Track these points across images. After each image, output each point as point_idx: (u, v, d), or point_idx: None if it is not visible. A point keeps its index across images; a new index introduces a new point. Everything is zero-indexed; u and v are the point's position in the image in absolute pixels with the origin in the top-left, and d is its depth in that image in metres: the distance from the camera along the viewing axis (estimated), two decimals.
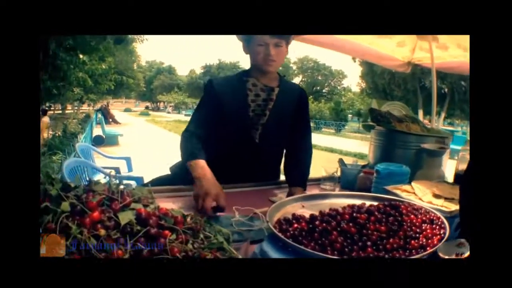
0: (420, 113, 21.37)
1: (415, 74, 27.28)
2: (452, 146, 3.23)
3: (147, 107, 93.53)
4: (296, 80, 76.57)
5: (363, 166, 3.12)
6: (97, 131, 20.95)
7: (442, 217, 1.60)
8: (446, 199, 1.97)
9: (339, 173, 3.00)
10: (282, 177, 2.94)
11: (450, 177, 2.66)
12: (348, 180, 2.93)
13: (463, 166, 2.47)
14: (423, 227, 1.54)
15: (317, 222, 1.53)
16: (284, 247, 1.40)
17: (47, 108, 23.71)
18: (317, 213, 1.63)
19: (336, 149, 21.58)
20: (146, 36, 20.44)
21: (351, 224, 1.51)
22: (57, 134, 15.55)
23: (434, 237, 1.46)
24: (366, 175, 2.69)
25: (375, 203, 1.75)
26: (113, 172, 6.91)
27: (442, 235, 1.46)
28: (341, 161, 3.17)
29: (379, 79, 32.74)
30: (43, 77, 12.40)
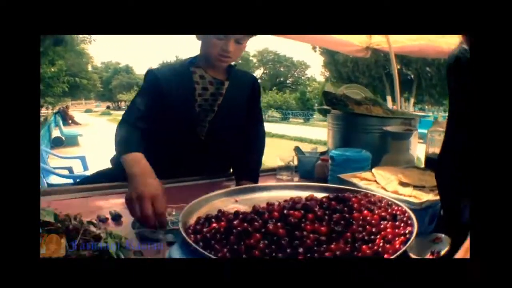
0: (389, 99, 21.73)
1: (378, 61, 28.02)
2: (422, 130, 2.92)
3: (108, 107, 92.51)
4: (258, 72, 77.13)
5: (322, 153, 2.81)
6: (57, 133, 20.52)
7: (409, 211, 1.25)
8: (415, 187, 1.66)
9: (296, 162, 2.73)
10: None
11: (421, 162, 2.39)
12: (306, 169, 2.68)
13: (433, 149, 2.24)
14: (382, 226, 1.19)
15: (235, 222, 1.21)
16: (196, 252, 1.11)
17: None
18: (248, 211, 1.33)
19: (305, 138, 21.48)
20: (93, 37, 20.53)
21: (279, 224, 1.17)
22: None
23: (396, 239, 1.11)
24: (324, 163, 2.42)
25: (325, 195, 1.42)
26: (65, 172, 6.96)
27: (408, 235, 1.12)
28: (297, 149, 2.91)
29: (342, 67, 33.87)
30: None
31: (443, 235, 1.23)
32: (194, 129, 2.42)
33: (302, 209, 1.24)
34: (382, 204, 1.33)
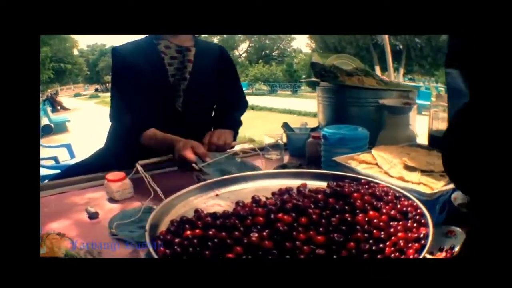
0: (377, 69, 21.77)
1: None
2: (419, 101, 2.72)
3: (96, 90, 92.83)
4: (243, 46, 77.82)
5: (313, 129, 2.61)
6: (46, 121, 20.42)
7: (421, 206, 1.07)
8: (423, 172, 1.46)
9: (285, 139, 2.55)
10: None
11: (421, 138, 2.21)
12: (296, 147, 2.50)
13: (438, 126, 2.05)
14: (391, 229, 0.98)
15: (211, 231, 1.01)
16: None
17: None
18: (230, 207, 1.23)
19: (294, 110, 21.28)
20: None
21: (265, 233, 0.96)
22: None
23: (409, 246, 0.92)
24: (316, 140, 2.18)
25: (321, 184, 1.30)
26: (51, 162, 6.88)
27: (423, 241, 0.94)
28: (285, 125, 2.69)
29: (329, 38, 34.15)
30: None
31: (457, 228, 1.11)
32: (170, 101, 2.36)
33: (293, 211, 1.02)
34: (389, 198, 1.12)
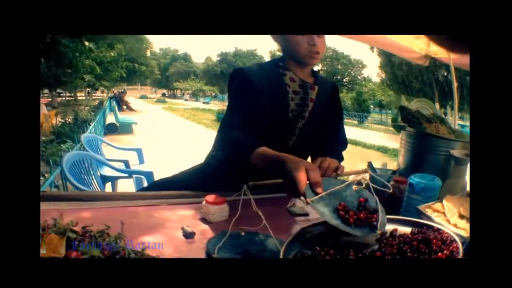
0: (437, 106, 21.33)
1: (429, 67, 27.79)
2: None
3: (163, 94, 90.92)
4: (315, 69, 76.03)
5: (393, 172, 2.81)
6: (111, 119, 20.17)
7: (461, 249, 1.33)
8: (468, 219, 1.72)
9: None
10: None
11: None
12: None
13: None
14: None
15: None
16: None
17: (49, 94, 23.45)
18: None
19: (359, 141, 20.52)
20: None
21: None
22: (67, 121, 15.38)
23: None
24: (397, 184, 2.26)
25: (406, 230, 1.53)
26: (121, 165, 6.61)
27: None
28: (370, 165, 2.87)
29: (398, 70, 33.42)
30: (46, 64, 12.67)
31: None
32: (285, 136, 2.33)
33: (399, 254, 1.33)
34: (448, 242, 1.40)
